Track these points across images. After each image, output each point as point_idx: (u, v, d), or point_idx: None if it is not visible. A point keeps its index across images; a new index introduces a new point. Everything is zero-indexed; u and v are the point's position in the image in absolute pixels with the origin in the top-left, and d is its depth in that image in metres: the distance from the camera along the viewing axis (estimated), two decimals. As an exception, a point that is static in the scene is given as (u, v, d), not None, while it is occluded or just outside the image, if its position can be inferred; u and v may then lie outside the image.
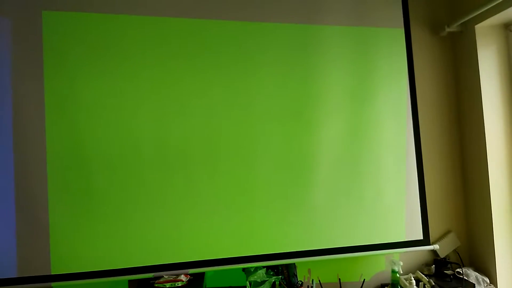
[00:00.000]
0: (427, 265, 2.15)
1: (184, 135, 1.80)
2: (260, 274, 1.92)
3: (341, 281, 2.03)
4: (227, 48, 1.86)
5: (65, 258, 1.69)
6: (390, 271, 1.98)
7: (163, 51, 1.80)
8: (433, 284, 1.94)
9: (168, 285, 1.73)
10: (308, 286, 1.92)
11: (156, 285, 1.73)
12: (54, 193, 1.68)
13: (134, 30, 1.78)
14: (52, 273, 1.67)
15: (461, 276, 1.99)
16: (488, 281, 2.02)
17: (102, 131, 1.73)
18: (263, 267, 1.93)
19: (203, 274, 1.87)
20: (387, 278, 2.08)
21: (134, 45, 1.77)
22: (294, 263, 1.97)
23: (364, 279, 2.04)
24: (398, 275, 1.95)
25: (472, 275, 2.02)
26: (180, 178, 1.79)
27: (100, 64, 1.74)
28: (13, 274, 1.64)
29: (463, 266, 2.13)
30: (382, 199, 1.97)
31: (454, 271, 2.06)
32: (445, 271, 2.06)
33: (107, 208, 1.72)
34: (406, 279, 1.95)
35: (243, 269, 1.92)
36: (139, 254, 1.74)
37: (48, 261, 1.67)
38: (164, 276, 1.76)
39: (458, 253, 2.19)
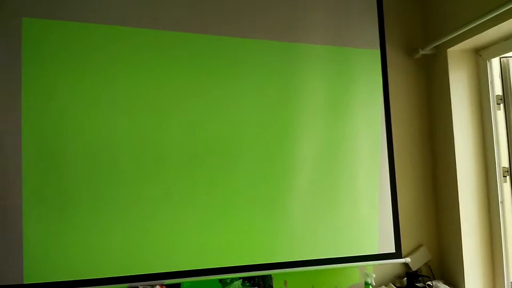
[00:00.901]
0: (399, 277, 2.21)
1: (162, 143, 1.82)
2: (236, 285, 1.94)
3: (316, 293, 2.08)
4: (206, 61, 1.90)
5: (38, 267, 1.67)
6: (364, 283, 2.03)
7: (142, 61, 1.83)
8: (404, 296, 2.01)
9: (143, 296, 1.73)
10: (283, 298, 1.96)
11: (131, 295, 1.73)
12: (28, 202, 1.67)
13: (113, 39, 1.80)
14: (24, 283, 1.65)
15: (431, 289, 2.06)
16: (457, 294, 2.10)
17: (78, 139, 1.73)
18: (239, 278, 1.96)
19: (178, 285, 1.88)
20: (360, 290, 2.14)
21: (112, 54, 1.79)
22: (270, 275, 2.00)
23: (338, 291, 2.09)
24: (371, 287, 2.00)
25: (441, 288, 2.09)
26: (157, 188, 1.80)
27: (78, 71, 1.75)
28: (-16, 283, 1.62)
29: (434, 279, 2.20)
30: (357, 212, 2.03)
31: (425, 284, 2.12)
32: (416, 284, 2.13)
33: (82, 217, 1.72)
34: (378, 292, 2.01)
35: (219, 280, 1.93)
36: (113, 264, 1.73)
37: (20, 271, 1.65)
38: (139, 287, 1.76)
39: (429, 266, 2.27)
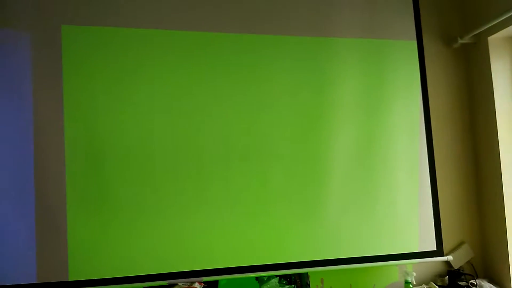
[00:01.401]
0: (441, 276, 2.14)
1: (198, 143, 1.84)
2: (273, 283, 1.94)
3: (353, 291, 2.04)
4: (241, 59, 1.90)
5: (82, 265, 1.72)
6: (403, 282, 1.98)
7: (178, 62, 1.85)
8: (447, 295, 1.94)
9: (182, 293, 1.75)
10: (321, 296, 1.93)
11: (171, 292, 1.75)
12: (72, 201, 1.72)
13: (150, 43, 1.83)
14: (69, 280, 1.70)
15: (475, 288, 1.98)
16: (503, 293, 2.00)
17: (119, 139, 1.77)
18: (276, 276, 1.95)
19: (216, 282, 1.89)
20: (400, 289, 2.08)
21: (150, 58, 1.82)
22: (307, 273, 1.98)
23: (377, 290, 2.05)
24: (411, 286, 1.94)
25: (486, 287, 2.00)
26: (195, 186, 1.82)
27: (117, 75, 1.79)
28: (33, 280, 1.68)
29: (477, 277, 2.11)
30: (395, 209, 1.97)
31: (468, 282, 2.04)
32: (459, 283, 2.05)
33: (124, 215, 1.75)
34: (419, 290, 1.95)
35: (256, 278, 1.93)
36: (154, 261, 1.76)
37: (66, 268, 1.70)
38: (179, 284, 1.78)
39: (472, 265, 2.18)
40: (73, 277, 1.71)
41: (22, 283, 1.67)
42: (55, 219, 1.71)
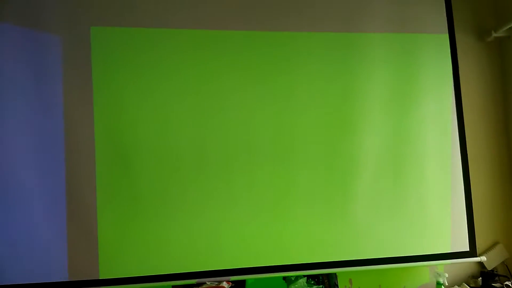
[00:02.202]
0: (474, 277, 2.07)
1: (224, 141, 1.83)
2: (301, 283, 1.91)
3: (383, 292, 2.00)
4: (269, 58, 1.88)
5: (113, 263, 1.73)
6: (435, 283, 1.92)
7: (206, 62, 1.84)
8: (481, 297, 1.88)
9: (210, 291, 1.74)
10: (350, 297, 1.90)
11: (199, 291, 1.75)
12: (102, 200, 1.74)
13: (178, 42, 1.83)
14: (100, 278, 1.72)
15: (511, 290, 1.92)
16: (540, 296, 1.93)
17: (148, 141, 1.78)
18: (304, 276, 1.92)
19: (244, 281, 1.88)
20: (431, 290, 2.03)
21: (179, 57, 1.82)
22: (335, 273, 1.95)
23: (407, 291, 2.00)
24: (443, 287, 1.89)
25: (522, 289, 1.93)
26: (221, 186, 1.81)
27: (147, 77, 1.80)
28: (65, 278, 1.70)
29: (512, 279, 2.05)
30: (426, 208, 1.93)
31: (502, 284, 1.98)
32: (492, 284, 1.98)
33: (152, 215, 1.76)
34: (452, 292, 1.89)
35: (284, 278, 1.91)
36: (182, 260, 1.77)
37: (96, 266, 1.72)
38: (207, 283, 1.78)
39: (506, 266, 2.11)
40: (103, 275, 1.72)
41: (54, 281, 1.70)
42: (86, 218, 1.73)
